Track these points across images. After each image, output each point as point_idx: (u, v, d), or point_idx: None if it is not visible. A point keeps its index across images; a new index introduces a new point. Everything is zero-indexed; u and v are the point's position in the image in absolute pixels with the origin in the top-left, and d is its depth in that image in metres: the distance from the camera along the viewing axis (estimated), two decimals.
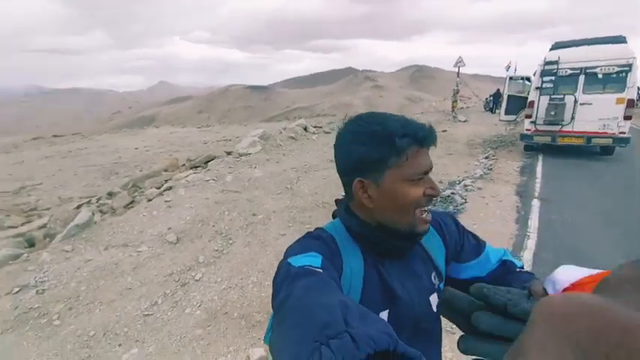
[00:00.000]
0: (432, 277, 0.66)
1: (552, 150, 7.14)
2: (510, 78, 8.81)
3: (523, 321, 0.32)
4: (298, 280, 0.45)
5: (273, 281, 0.51)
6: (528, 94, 7.36)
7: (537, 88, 6.62)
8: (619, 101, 5.99)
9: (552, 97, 6.45)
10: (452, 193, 4.69)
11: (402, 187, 0.57)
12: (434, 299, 0.65)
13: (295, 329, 0.35)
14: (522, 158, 6.87)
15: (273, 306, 0.45)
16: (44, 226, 4.66)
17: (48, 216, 5.14)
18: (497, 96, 17.20)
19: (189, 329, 2.22)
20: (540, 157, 6.81)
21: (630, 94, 5.99)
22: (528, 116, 6.79)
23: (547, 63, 6.48)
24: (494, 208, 4.19)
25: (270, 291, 1.81)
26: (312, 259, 0.51)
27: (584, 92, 6.32)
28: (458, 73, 14.51)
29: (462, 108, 19.12)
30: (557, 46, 6.95)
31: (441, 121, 12.51)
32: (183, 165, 7.84)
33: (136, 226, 3.74)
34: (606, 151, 6.76)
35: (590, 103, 6.25)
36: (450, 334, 1.77)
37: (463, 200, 4.48)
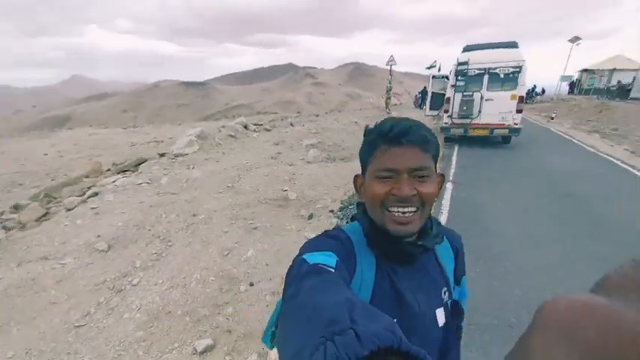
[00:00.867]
0: (443, 292, 0.66)
1: (466, 141, 8.27)
2: (433, 77, 9.83)
3: None
4: (309, 278, 0.46)
5: (286, 275, 0.52)
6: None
7: (452, 86, 7.59)
8: (513, 97, 7.22)
9: (464, 94, 7.46)
10: None
11: (372, 183, 0.60)
12: (440, 314, 0.65)
13: (301, 324, 0.36)
14: (442, 149, 7.81)
15: (283, 298, 0.47)
16: None
17: None
18: (424, 93, 18.94)
19: (129, 333, 2.15)
20: (456, 148, 7.85)
21: (521, 91, 7.25)
22: (446, 111, 7.75)
23: (459, 64, 7.47)
24: None
25: (216, 286, 1.95)
26: (327, 258, 0.52)
27: (488, 90, 7.45)
28: (390, 71, 15.59)
29: (395, 105, 20.53)
30: (467, 48, 8.03)
31: (376, 118, 13.37)
32: (109, 170, 7.14)
33: (57, 238, 3.39)
34: (505, 140, 8.07)
35: (492, 99, 7.40)
36: None
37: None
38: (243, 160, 6.42)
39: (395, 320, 0.59)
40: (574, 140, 9.42)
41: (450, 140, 8.45)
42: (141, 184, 4.95)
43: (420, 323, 0.61)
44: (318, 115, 14.43)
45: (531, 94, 24.46)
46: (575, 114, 15.21)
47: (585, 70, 26.05)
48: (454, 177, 5.64)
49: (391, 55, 14.38)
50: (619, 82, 20.77)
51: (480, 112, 7.50)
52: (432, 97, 9.56)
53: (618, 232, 3.59)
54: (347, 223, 0.71)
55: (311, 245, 0.58)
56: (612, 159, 7.05)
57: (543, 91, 25.24)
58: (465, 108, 7.44)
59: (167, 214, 3.94)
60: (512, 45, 7.70)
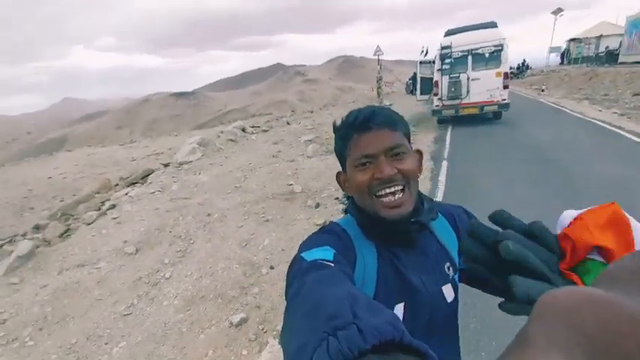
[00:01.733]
0: (446, 267, 0.66)
1: (458, 121, 8.54)
2: (421, 62, 10.07)
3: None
4: (309, 274, 0.46)
5: (287, 274, 0.52)
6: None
7: (439, 69, 7.87)
8: (497, 75, 7.51)
9: (451, 76, 7.74)
10: None
11: (353, 174, 0.61)
12: (447, 290, 0.64)
13: (304, 320, 0.36)
14: (437, 130, 8.13)
15: (286, 298, 0.47)
16: None
17: None
18: (415, 79, 19.14)
19: (171, 316, 2.46)
20: (450, 128, 8.15)
21: (504, 68, 7.54)
22: (435, 94, 8.03)
23: (443, 48, 7.75)
24: None
25: (240, 272, 2.33)
26: (325, 253, 0.53)
27: (473, 70, 7.74)
28: (378, 60, 15.79)
29: (387, 93, 20.73)
30: (449, 32, 8.31)
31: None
32: (117, 184, 7.44)
33: (88, 247, 3.70)
34: (496, 115, 8.37)
35: (479, 78, 7.69)
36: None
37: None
38: (245, 161, 6.70)
39: (403, 304, 0.60)
40: (565, 109, 9.67)
41: (442, 122, 8.75)
42: (154, 192, 5.25)
43: (428, 303, 0.61)
44: (312, 112, 14.70)
45: (522, 68, 24.64)
46: (566, 84, 15.43)
47: (573, 40, 26.19)
48: (449, 155, 5.97)
49: (377, 46, 14.55)
50: (607, 47, 20.93)
51: (468, 91, 7.78)
52: (421, 82, 9.80)
53: (589, 185, 4.00)
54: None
55: (308, 243, 0.59)
56: (600, 123, 7.33)
57: (527, 66, 25.35)
58: (453, 89, 7.73)
59: (183, 216, 4.24)
60: (492, 25, 7.99)
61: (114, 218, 4.37)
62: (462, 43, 7.74)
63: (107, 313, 2.56)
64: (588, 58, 22.74)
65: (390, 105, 14.95)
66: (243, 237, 3.59)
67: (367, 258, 0.60)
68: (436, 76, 8.07)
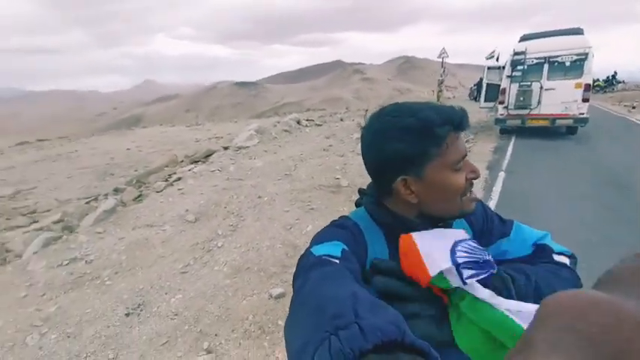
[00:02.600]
0: None
1: (524, 132, 7.88)
2: (488, 67, 9.45)
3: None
4: (313, 270, 0.46)
5: (296, 266, 0.53)
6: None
7: (508, 76, 7.33)
8: (577, 86, 6.76)
9: (521, 84, 7.16)
10: None
11: (447, 177, 0.55)
12: None
13: (307, 318, 0.36)
14: (498, 140, 7.60)
15: (293, 290, 0.48)
16: (60, 220, 5.08)
17: (60, 212, 5.54)
18: (480, 85, 17.93)
19: (220, 280, 2.76)
20: (513, 139, 7.56)
21: (587, 79, 6.77)
22: (501, 102, 7.50)
23: (516, 54, 7.19)
24: None
25: (282, 252, 2.56)
26: (333, 248, 0.52)
27: (548, 79, 7.07)
28: (442, 64, 15.12)
29: (448, 98, 19.78)
30: (524, 38, 7.66)
31: None
32: (182, 161, 8.25)
33: (157, 211, 4.23)
34: (571, 131, 7.56)
35: (554, 89, 7.00)
36: None
37: None
38: (297, 151, 6.98)
39: None
40: None
41: (505, 132, 8.14)
42: (214, 171, 5.76)
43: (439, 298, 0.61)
44: (367, 110, 14.64)
45: (611, 81, 21.67)
46: None
47: None
48: (507, 167, 5.60)
49: (443, 48, 13.96)
50: None
51: (539, 102, 7.13)
52: (486, 88, 9.20)
53: None
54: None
55: (319, 236, 0.58)
56: None
57: (617, 79, 22.03)
58: (522, 99, 7.15)
59: (237, 195, 4.61)
60: (577, 32, 7.18)
61: (179, 189, 4.92)
62: (538, 49, 7.09)
63: (168, 268, 2.94)
64: None
65: None
66: (288, 221, 3.81)
67: (378, 252, 0.59)
68: (504, 83, 7.52)
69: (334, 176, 5.37)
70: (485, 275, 0.46)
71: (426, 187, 0.56)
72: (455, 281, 0.46)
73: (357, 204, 0.69)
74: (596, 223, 3.43)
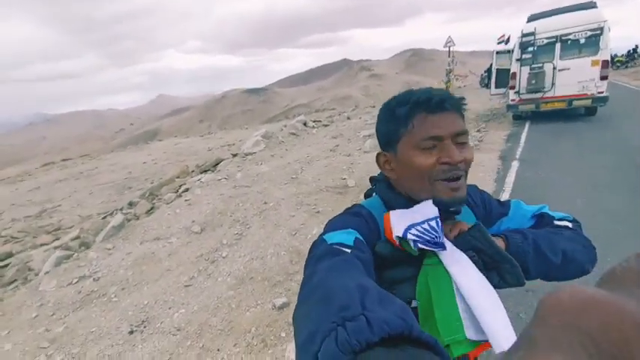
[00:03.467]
0: None
1: (539, 116, 7.46)
2: (497, 52, 9.06)
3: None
4: (324, 260, 0.46)
5: (309, 251, 0.54)
6: None
7: (518, 59, 6.96)
8: (594, 63, 6.31)
9: (532, 66, 6.78)
10: None
11: (413, 156, 0.57)
12: None
13: (315, 308, 0.36)
14: (511, 127, 7.24)
15: (304, 275, 0.48)
16: (77, 237, 5.21)
17: (78, 229, 5.70)
18: (490, 71, 17.31)
19: (224, 291, 2.70)
20: (527, 125, 7.17)
21: (604, 55, 6.31)
22: (512, 87, 7.13)
23: (524, 35, 6.82)
24: (477, 172, 4.61)
25: (287, 259, 2.45)
26: (346, 237, 0.52)
27: (561, 59, 6.65)
28: (449, 53, 14.68)
29: (459, 87, 19.25)
30: (532, 17, 7.26)
31: None
32: (193, 171, 8.35)
33: (164, 223, 4.25)
34: (589, 112, 7.08)
35: (568, 68, 6.57)
36: None
37: None
38: (304, 154, 6.91)
39: None
40: None
41: (519, 118, 7.73)
42: (220, 179, 5.77)
43: None
44: (374, 106, 14.44)
45: (632, 55, 20.43)
46: None
47: None
48: (521, 155, 5.29)
49: (449, 36, 13.52)
50: None
51: (553, 84, 6.71)
52: (496, 74, 8.81)
53: None
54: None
55: (333, 224, 0.58)
56: None
57: (636, 52, 20.68)
58: (534, 81, 6.75)
59: (243, 203, 4.58)
60: (589, 6, 6.71)
61: (186, 200, 4.94)
62: (548, 28, 6.67)
63: (173, 282, 2.92)
64: None
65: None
66: (293, 226, 3.73)
67: None
68: (514, 67, 7.14)
69: (340, 177, 5.26)
70: (430, 245, 0.52)
71: (399, 164, 0.60)
72: (412, 246, 0.53)
73: (367, 195, 0.70)
74: (623, 213, 3.14)
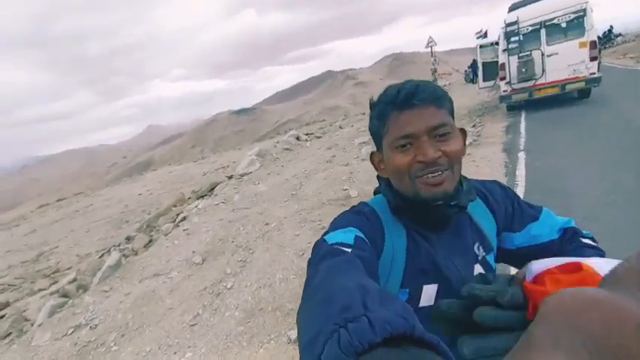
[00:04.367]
0: (476, 247, 0.63)
1: (533, 105, 7.40)
2: (481, 46, 9.10)
3: (516, 308, 0.33)
4: (324, 261, 0.46)
5: (311, 253, 0.53)
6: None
7: (504, 50, 6.94)
8: (582, 45, 6.30)
9: (520, 55, 6.75)
10: None
11: (392, 156, 0.57)
12: (477, 270, 0.62)
13: (317, 310, 0.36)
14: (507, 119, 7.15)
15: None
16: (74, 280, 4.94)
17: (75, 271, 5.44)
18: (475, 66, 17.54)
19: (232, 328, 2.48)
20: (523, 114, 7.09)
21: (591, 36, 6.30)
22: (502, 78, 7.09)
23: (508, 25, 6.82)
24: (484, 167, 4.47)
25: (297, 283, 2.20)
26: (346, 235, 0.52)
27: (548, 44, 6.64)
28: (432, 52, 14.86)
29: (445, 85, 19.44)
30: (513, 7, 7.31)
31: None
32: (189, 197, 8.13)
33: (163, 257, 4.02)
34: (583, 94, 7.04)
35: (557, 53, 6.55)
36: None
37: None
38: (301, 168, 6.75)
39: (436, 285, 0.58)
40: None
41: (512, 108, 7.67)
42: (218, 204, 5.57)
43: (460, 287, 0.58)
44: (364, 114, 14.43)
45: (609, 36, 20.86)
46: None
47: None
48: (526, 145, 5.14)
49: (430, 37, 13.73)
50: None
51: (544, 70, 6.68)
52: (483, 67, 8.83)
53: None
54: None
55: (335, 223, 0.58)
56: None
57: (613, 32, 21.17)
58: (524, 70, 6.71)
59: (244, 226, 4.38)
60: None
61: (184, 230, 4.72)
62: (531, 15, 6.68)
63: (176, 322, 2.69)
64: None
65: None
66: (299, 246, 3.53)
67: (396, 240, 0.59)
68: (501, 58, 7.12)
69: (342, 188, 5.09)
70: None
71: (385, 163, 0.60)
72: None
73: (375, 192, 0.69)
74: None
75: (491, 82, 8.83)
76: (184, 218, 5.45)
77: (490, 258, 0.64)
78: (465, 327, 0.35)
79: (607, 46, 19.50)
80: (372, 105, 0.61)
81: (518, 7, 7.18)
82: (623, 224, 2.59)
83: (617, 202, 2.98)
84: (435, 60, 15.66)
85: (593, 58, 6.32)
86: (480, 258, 0.62)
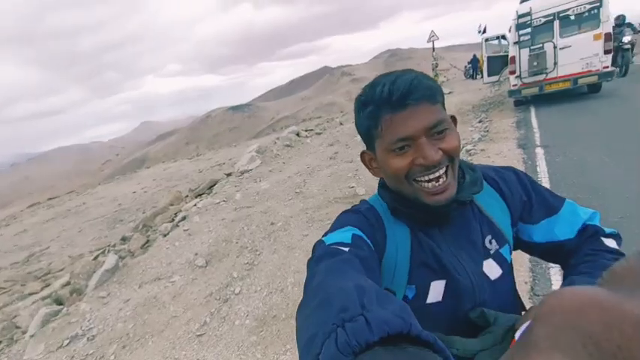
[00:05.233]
0: (487, 241, 0.59)
1: (542, 100, 7.24)
2: (486, 40, 8.93)
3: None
4: (322, 262, 0.46)
5: (311, 255, 0.53)
6: (506, 52, 7.48)
7: (515, 42, 6.74)
8: (596, 37, 6.11)
9: (532, 48, 6.57)
10: None
11: (387, 159, 0.54)
12: (489, 266, 0.58)
13: (315, 311, 0.36)
14: (515, 114, 6.98)
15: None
16: (68, 283, 4.69)
17: (68, 274, 5.18)
18: (475, 62, 17.41)
19: (245, 338, 2.28)
20: (533, 109, 6.93)
21: (606, 28, 6.11)
22: (512, 72, 6.91)
23: (520, 16, 6.62)
24: (500, 164, 4.25)
25: None
26: (344, 235, 0.52)
27: (561, 36, 6.45)
28: (433, 47, 14.67)
29: (443, 81, 19.31)
30: None
31: None
32: (187, 196, 7.87)
33: (163, 260, 3.80)
34: (593, 89, 6.88)
35: (570, 46, 6.37)
36: None
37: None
38: (303, 165, 6.55)
39: (444, 282, 0.56)
40: None
41: (520, 103, 7.50)
42: (219, 203, 5.34)
43: (468, 283, 0.56)
44: None
45: (622, 26, 20.72)
46: None
47: None
48: (542, 141, 4.93)
49: (432, 31, 13.53)
50: None
51: (555, 63, 6.50)
52: (488, 61, 8.66)
53: None
54: None
55: (334, 223, 0.58)
56: None
57: (626, 22, 21.11)
58: (535, 63, 6.52)
59: (248, 226, 4.17)
60: None
61: (185, 230, 4.49)
62: (545, 6, 6.45)
63: (182, 332, 2.48)
64: None
65: (450, 93, 13.72)
66: (309, 247, 3.31)
67: (399, 237, 0.58)
68: (512, 51, 6.90)
69: (348, 185, 4.90)
70: None
71: (379, 165, 0.58)
72: None
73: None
74: None
75: (496, 77, 8.68)
76: (184, 218, 5.21)
77: (505, 251, 0.61)
78: None
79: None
80: (362, 104, 0.56)
81: None
82: None
83: None
84: (435, 54, 15.49)
85: (607, 51, 6.14)
86: (492, 252, 0.59)
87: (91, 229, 8.12)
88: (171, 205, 7.55)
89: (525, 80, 6.77)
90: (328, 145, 8.04)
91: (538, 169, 3.85)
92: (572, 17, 6.32)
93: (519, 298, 0.67)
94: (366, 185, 4.78)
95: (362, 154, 0.62)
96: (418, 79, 0.52)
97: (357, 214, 0.59)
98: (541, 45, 6.49)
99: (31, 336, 2.93)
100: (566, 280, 0.57)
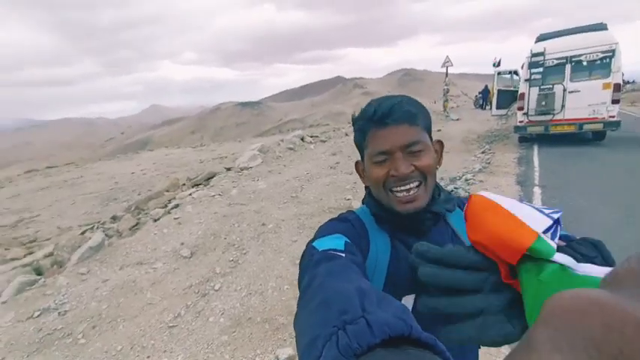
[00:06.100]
0: None
1: (546, 139, 7.30)
2: (498, 73, 9.04)
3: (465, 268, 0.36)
4: (320, 266, 0.46)
5: (299, 263, 0.53)
6: (517, 87, 7.58)
7: (526, 80, 6.83)
8: (606, 86, 6.21)
9: (542, 87, 6.66)
10: (455, 188, 4.79)
11: (370, 168, 0.61)
12: None
13: (315, 313, 0.37)
14: (518, 150, 7.03)
15: (299, 288, 0.47)
16: (50, 254, 4.65)
17: (52, 244, 5.14)
18: (485, 92, 17.59)
19: (215, 336, 2.25)
20: (536, 147, 6.98)
21: (616, 78, 6.22)
22: (520, 108, 6.98)
23: (534, 55, 6.72)
24: None
25: (291, 294, 1.92)
26: (336, 242, 0.53)
27: (571, 80, 6.54)
28: (446, 72, 14.84)
29: (452, 107, 19.45)
30: (542, 37, 7.22)
31: (434, 121, 12.68)
32: (184, 184, 7.86)
33: (149, 245, 3.77)
34: (598, 136, 6.95)
35: (579, 91, 6.46)
36: None
37: (467, 194, 4.58)
38: (303, 171, 6.55)
39: (413, 296, 0.58)
40: None
41: (525, 140, 7.56)
42: (214, 196, 5.33)
43: None
44: None
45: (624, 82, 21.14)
46: None
47: None
48: (541, 180, 4.99)
49: (447, 56, 13.69)
50: None
51: (563, 106, 6.58)
52: (498, 95, 8.75)
53: None
54: None
55: (321, 230, 0.60)
56: None
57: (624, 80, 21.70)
58: (543, 103, 6.60)
59: (239, 223, 4.15)
60: (600, 27, 6.68)
61: (175, 218, 4.47)
62: (559, 48, 6.59)
63: (155, 320, 2.45)
64: None
65: (457, 119, 13.83)
66: (296, 253, 3.31)
67: (380, 247, 0.61)
68: (522, 88, 7.00)
69: (344, 197, 4.90)
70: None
71: (366, 173, 0.65)
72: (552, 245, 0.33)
73: (363, 201, 0.72)
74: None
75: (504, 111, 8.76)
76: (177, 205, 5.19)
77: None
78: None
79: (624, 88, 19.78)
80: (355, 119, 0.66)
81: (546, 39, 7.09)
82: None
83: None
84: (448, 80, 15.64)
85: (615, 101, 6.23)
86: None
87: (84, 203, 8.08)
88: (167, 191, 7.53)
89: (532, 118, 6.85)
90: (331, 154, 8.05)
91: None
92: (585, 63, 6.42)
93: None
94: (361, 199, 4.78)
95: (356, 164, 0.71)
96: (401, 104, 0.59)
97: (346, 223, 0.62)
98: (551, 86, 6.58)
99: (3, 303, 2.89)
100: None
